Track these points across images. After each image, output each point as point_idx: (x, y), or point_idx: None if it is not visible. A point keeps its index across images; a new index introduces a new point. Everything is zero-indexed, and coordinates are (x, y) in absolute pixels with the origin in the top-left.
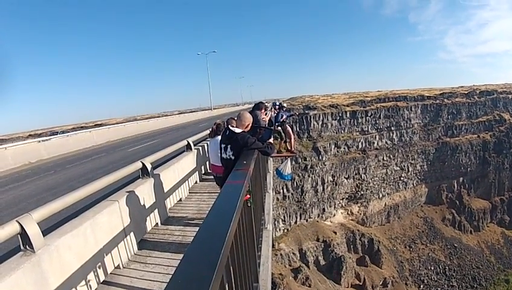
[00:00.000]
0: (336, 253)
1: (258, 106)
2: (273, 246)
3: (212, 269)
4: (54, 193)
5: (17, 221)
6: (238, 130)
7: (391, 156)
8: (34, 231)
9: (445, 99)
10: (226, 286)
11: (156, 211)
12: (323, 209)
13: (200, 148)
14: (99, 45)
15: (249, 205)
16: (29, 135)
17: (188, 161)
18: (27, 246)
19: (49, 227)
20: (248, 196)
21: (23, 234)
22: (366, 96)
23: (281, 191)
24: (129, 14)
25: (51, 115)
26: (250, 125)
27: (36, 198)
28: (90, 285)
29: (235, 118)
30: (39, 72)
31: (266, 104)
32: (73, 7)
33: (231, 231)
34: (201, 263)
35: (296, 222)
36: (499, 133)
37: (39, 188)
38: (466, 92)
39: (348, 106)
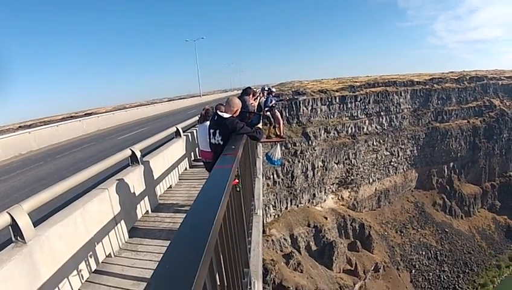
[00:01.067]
0: (327, 238)
1: (246, 91)
2: (264, 231)
3: (200, 254)
4: (44, 183)
5: (7, 212)
6: (226, 115)
7: (381, 141)
8: (24, 222)
9: (435, 85)
10: (216, 271)
11: (146, 198)
12: (314, 195)
13: (189, 134)
14: (86, 33)
15: (238, 189)
16: (19, 127)
17: (178, 148)
18: (18, 238)
19: (41, 217)
20: (237, 180)
21: (14, 225)
22: (356, 82)
23: (271, 176)
24: (116, 1)
25: (40, 105)
26: (239, 110)
27: (27, 189)
28: (82, 274)
29: (224, 104)
30: (26, 63)
31: (255, 89)
32: None
33: (219, 215)
34: (189, 247)
35: (286, 208)
36: (489, 118)
37: (30, 179)
38: (456, 78)
39: (337, 91)
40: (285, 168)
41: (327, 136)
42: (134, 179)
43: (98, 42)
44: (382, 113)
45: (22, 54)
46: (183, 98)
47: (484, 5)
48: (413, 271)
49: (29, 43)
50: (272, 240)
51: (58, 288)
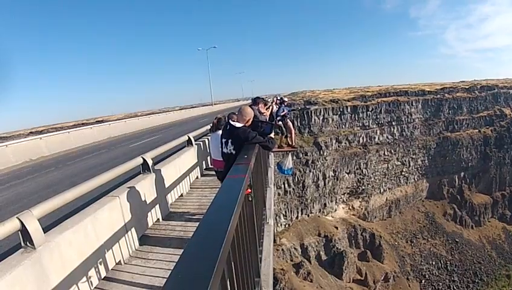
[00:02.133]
0: (337, 248)
1: (255, 101)
2: (274, 241)
3: (213, 264)
4: (55, 189)
5: (17, 218)
6: (239, 125)
7: (392, 151)
8: (34, 228)
9: (446, 94)
10: (227, 280)
11: (157, 206)
12: (325, 204)
13: (201, 143)
14: (100, 41)
15: (250, 199)
16: (30, 133)
17: (189, 156)
18: (28, 243)
19: (51, 223)
20: (249, 190)
21: (23, 230)
22: (367, 91)
23: (282, 186)
24: (129, 11)
25: (52, 112)
26: (251, 120)
27: (37, 195)
28: (91, 281)
29: (236, 113)
30: (39, 70)
31: (267, 99)
32: (72, 7)
33: (232, 225)
34: (201, 257)
35: (297, 217)
36: (500, 128)
37: (40, 185)
38: (467, 87)
39: (348, 100)
40: (296, 178)
41: (338, 146)
42: (146, 187)
43: (110, 51)
44: (393, 123)
45: (34, 62)
46: (194, 107)
47: (494, 13)
48: (423, 281)
49: (42, 51)
50: (282, 250)
51: None
